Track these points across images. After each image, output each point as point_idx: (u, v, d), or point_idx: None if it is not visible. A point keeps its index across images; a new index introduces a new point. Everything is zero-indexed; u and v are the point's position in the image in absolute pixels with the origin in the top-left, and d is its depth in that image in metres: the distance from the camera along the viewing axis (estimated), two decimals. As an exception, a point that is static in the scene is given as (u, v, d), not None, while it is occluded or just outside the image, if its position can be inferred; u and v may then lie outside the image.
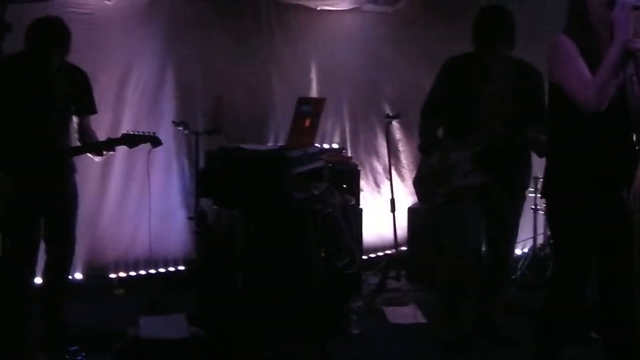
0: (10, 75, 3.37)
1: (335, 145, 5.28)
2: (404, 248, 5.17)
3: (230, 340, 3.58)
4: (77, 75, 3.59)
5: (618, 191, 2.58)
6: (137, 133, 3.65)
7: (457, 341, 3.77)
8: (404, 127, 5.52)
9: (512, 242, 3.80)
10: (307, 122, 3.96)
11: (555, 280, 2.90)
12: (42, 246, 3.56)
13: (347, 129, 5.51)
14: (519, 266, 4.72)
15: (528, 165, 3.74)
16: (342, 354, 3.66)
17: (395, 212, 4.93)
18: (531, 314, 3.82)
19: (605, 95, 2.45)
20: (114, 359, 3.47)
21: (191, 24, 4.82)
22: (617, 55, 2.41)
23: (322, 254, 4.16)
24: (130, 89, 4.69)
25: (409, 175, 5.51)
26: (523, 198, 3.77)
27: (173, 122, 4.54)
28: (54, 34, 3.38)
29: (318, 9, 5.27)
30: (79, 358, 3.48)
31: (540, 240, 5.03)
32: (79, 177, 3.72)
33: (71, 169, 3.65)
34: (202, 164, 4.26)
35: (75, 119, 3.65)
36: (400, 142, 5.60)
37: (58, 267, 3.62)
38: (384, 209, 5.10)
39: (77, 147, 3.63)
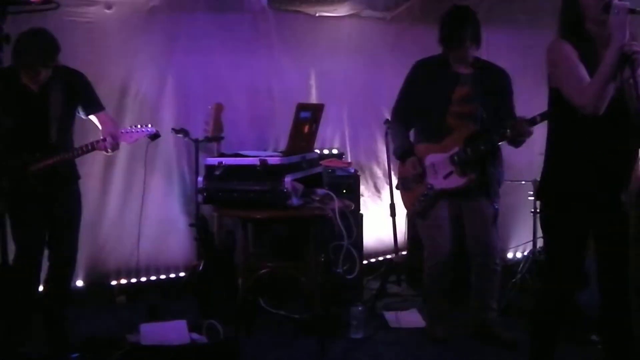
0: (4, 89, 3.34)
1: (335, 151, 5.29)
2: (404, 253, 5.17)
3: (231, 347, 3.58)
4: (73, 79, 3.56)
5: (616, 193, 2.59)
6: (134, 129, 3.68)
7: (446, 338, 3.84)
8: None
9: (493, 239, 3.82)
10: (307, 128, 3.96)
11: (547, 281, 2.90)
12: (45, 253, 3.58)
13: (347, 134, 5.53)
14: (518, 270, 4.72)
15: (501, 164, 3.83)
16: (343, 359, 3.66)
17: (395, 217, 4.94)
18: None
19: (602, 99, 2.47)
20: (115, 366, 3.47)
21: (190, 32, 4.84)
22: (614, 58, 2.42)
23: (322, 259, 4.16)
24: (130, 96, 4.72)
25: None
26: (498, 196, 3.85)
27: (173, 129, 4.55)
28: (40, 49, 3.31)
29: (317, 15, 5.29)
30: (80, 365, 3.49)
31: (539, 243, 5.03)
32: (80, 185, 3.73)
33: (74, 175, 3.66)
34: (201, 171, 4.28)
35: (94, 119, 3.65)
36: (399, 147, 5.60)
37: (60, 274, 3.63)
38: (384, 214, 5.10)
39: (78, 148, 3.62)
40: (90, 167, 4.44)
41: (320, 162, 4.36)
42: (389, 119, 3.98)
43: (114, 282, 4.74)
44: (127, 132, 3.67)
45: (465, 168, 3.67)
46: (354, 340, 3.91)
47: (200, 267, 4.35)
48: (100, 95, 3.72)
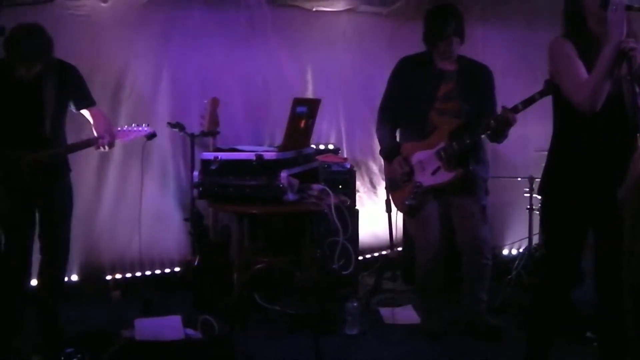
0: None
1: (331, 146, 5.28)
2: (399, 249, 5.17)
3: (225, 342, 3.57)
4: (66, 72, 3.53)
5: (614, 189, 2.59)
6: (131, 128, 3.66)
7: (442, 333, 3.85)
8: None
9: (482, 235, 3.84)
10: (303, 123, 3.96)
11: (544, 279, 2.90)
12: (37, 247, 3.57)
13: (343, 129, 5.51)
14: (514, 266, 4.72)
15: (484, 161, 3.85)
16: (338, 355, 3.66)
17: (391, 213, 4.93)
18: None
19: (599, 95, 2.47)
20: (110, 361, 3.46)
21: (186, 26, 4.82)
22: (611, 55, 2.43)
23: (318, 255, 4.16)
24: (126, 90, 4.69)
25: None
26: (486, 192, 3.88)
27: (168, 123, 4.54)
28: (35, 47, 3.28)
29: (313, 10, 5.27)
30: (74, 360, 3.49)
31: (535, 240, 5.04)
32: (74, 179, 3.71)
33: (66, 168, 3.64)
34: (197, 166, 4.27)
35: (87, 113, 3.63)
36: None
37: (52, 266, 3.61)
38: (380, 210, 5.09)
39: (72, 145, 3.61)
40: (85, 162, 4.42)
41: (316, 158, 4.35)
42: (378, 112, 3.96)
43: (108, 277, 4.72)
44: (123, 131, 3.66)
45: (452, 162, 3.69)
46: (349, 336, 3.91)
47: (196, 262, 4.35)
48: (95, 89, 3.71)
